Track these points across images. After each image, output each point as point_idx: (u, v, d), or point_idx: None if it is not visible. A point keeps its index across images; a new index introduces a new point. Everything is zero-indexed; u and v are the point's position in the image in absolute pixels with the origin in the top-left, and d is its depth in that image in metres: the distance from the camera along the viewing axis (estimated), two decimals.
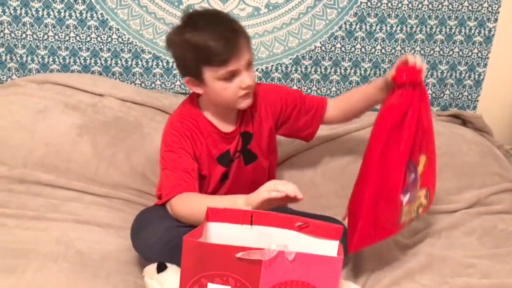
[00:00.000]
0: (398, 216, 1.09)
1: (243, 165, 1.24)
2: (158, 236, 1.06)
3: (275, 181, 0.99)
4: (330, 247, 0.90)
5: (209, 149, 1.19)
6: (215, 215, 0.91)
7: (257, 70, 1.68)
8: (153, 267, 1.01)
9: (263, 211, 0.93)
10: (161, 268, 0.99)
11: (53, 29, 1.61)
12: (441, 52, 1.73)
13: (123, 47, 1.64)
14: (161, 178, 1.15)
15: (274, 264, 0.78)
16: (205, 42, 1.06)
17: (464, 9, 1.67)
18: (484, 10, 1.67)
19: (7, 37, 1.60)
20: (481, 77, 1.77)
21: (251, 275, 0.78)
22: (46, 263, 1.07)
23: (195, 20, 1.11)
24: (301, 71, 1.71)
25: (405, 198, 1.08)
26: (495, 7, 1.67)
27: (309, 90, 1.73)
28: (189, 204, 1.07)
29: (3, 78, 1.65)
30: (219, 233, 0.91)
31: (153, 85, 1.69)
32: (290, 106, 1.27)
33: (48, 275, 1.03)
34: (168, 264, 1.00)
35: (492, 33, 1.71)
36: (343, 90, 1.74)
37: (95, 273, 1.06)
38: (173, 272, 0.98)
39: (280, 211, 0.95)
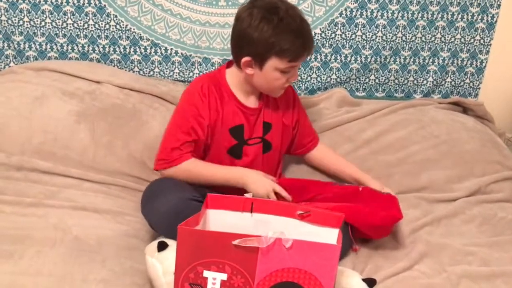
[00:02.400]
0: None
1: (261, 152, 1.29)
2: (169, 206, 1.07)
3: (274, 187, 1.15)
4: (330, 235, 0.90)
5: (224, 118, 1.24)
6: (214, 202, 0.90)
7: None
8: (153, 245, 1.01)
9: (265, 200, 0.93)
10: (161, 247, 0.99)
11: (50, 16, 1.60)
12: (443, 39, 1.71)
13: (121, 34, 1.63)
14: (163, 138, 1.24)
15: (271, 252, 0.77)
16: (286, 34, 1.14)
17: None
18: None
19: (4, 24, 1.59)
20: (483, 64, 1.75)
21: (247, 262, 0.78)
22: (43, 248, 1.07)
23: (279, 10, 1.16)
24: None
25: None
26: None
27: (309, 78, 1.72)
28: (192, 170, 1.20)
29: (0, 65, 1.64)
30: (218, 220, 0.91)
31: (151, 72, 1.68)
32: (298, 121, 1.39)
33: (45, 260, 1.03)
34: (168, 243, 1.00)
35: (495, 19, 1.69)
36: (343, 78, 1.72)
37: (91, 258, 1.06)
38: (173, 251, 0.96)
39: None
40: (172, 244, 0.99)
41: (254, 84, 1.24)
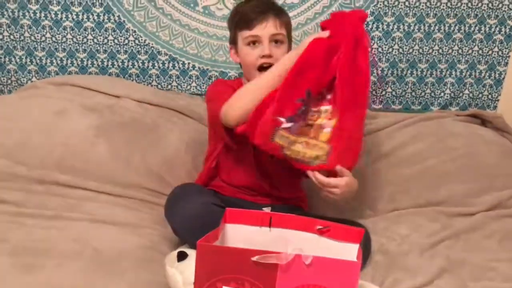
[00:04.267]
0: (266, 129, 1.07)
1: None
2: (192, 210, 1.08)
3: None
4: (349, 251, 0.89)
5: None
6: (233, 216, 0.90)
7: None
8: (173, 255, 1.01)
9: (284, 214, 0.92)
10: (181, 257, 0.99)
11: (71, 32, 1.63)
12: (460, 51, 1.70)
13: (139, 49, 1.66)
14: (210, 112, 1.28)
15: (290, 268, 0.76)
16: (243, 8, 1.26)
17: (484, 7, 1.64)
18: (505, 8, 1.64)
19: (27, 40, 1.63)
20: (502, 76, 1.73)
21: (267, 279, 0.77)
22: (63, 261, 1.08)
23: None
24: None
25: (284, 122, 1.07)
26: None
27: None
28: (238, 95, 1.15)
29: (23, 80, 1.68)
30: (237, 235, 0.91)
31: (169, 86, 1.70)
32: None
33: (65, 273, 1.05)
34: (188, 252, 0.99)
35: None
36: None
37: (111, 271, 1.07)
38: (193, 261, 0.95)
39: (298, 214, 0.94)
40: (191, 253, 0.98)
41: (245, 75, 1.30)
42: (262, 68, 1.22)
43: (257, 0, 1.28)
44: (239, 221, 0.91)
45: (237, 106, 1.13)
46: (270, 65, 1.19)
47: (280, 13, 1.27)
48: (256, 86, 1.14)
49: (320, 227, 0.90)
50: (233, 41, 1.30)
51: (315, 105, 1.09)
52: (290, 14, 1.61)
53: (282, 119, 1.06)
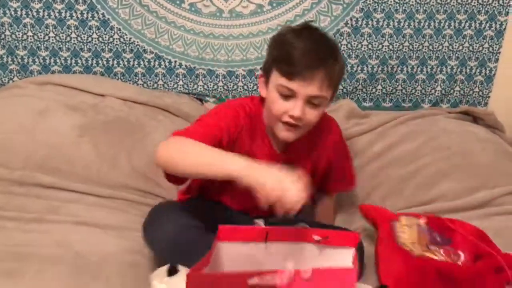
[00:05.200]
0: None
1: None
2: (169, 236, 0.99)
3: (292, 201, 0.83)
4: (346, 256, 0.85)
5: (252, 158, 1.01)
6: (226, 234, 0.84)
7: (261, 68, 1.63)
8: (163, 270, 0.94)
9: (279, 228, 0.87)
10: (172, 272, 0.92)
11: (54, 30, 1.59)
12: (450, 47, 1.68)
13: (124, 47, 1.62)
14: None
15: (291, 286, 0.71)
16: (292, 45, 1.01)
17: (474, 3, 1.62)
18: (495, 3, 1.63)
19: (8, 38, 1.59)
20: (492, 72, 1.72)
21: None
22: (45, 266, 1.03)
23: (305, 29, 1.06)
24: None
25: None
26: (506, 0, 1.62)
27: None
28: (183, 142, 0.95)
29: (4, 80, 1.64)
30: (232, 254, 0.84)
31: (155, 85, 1.66)
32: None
33: (47, 278, 1.00)
34: (180, 267, 0.93)
35: (503, 27, 1.66)
36: (349, 88, 1.70)
37: (94, 276, 1.03)
38: (184, 277, 0.92)
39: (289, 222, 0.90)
40: (182, 269, 0.92)
41: (266, 113, 1.08)
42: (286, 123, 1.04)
43: (312, 37, 1.03)
44: (233, 239, 0.84)
45: (173, 150, 0.96)
46: (296, 125, 1.03)
47: (334, 67, 1.02)
48: (202, 160, 0.93)
49: (318, 238, 0.86)
50: (266, 72, 1.07)
51: None
52: (279, 11, 1.61)
53: None
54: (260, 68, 1.11)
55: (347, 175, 1.33)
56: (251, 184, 0.83)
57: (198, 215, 1.04)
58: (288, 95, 1.01)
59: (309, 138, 1.13)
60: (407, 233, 1.11)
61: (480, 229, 1.17)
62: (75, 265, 1.05)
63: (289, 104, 1.01)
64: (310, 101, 1.01)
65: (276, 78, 1.02)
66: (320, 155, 1.19)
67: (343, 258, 0.84)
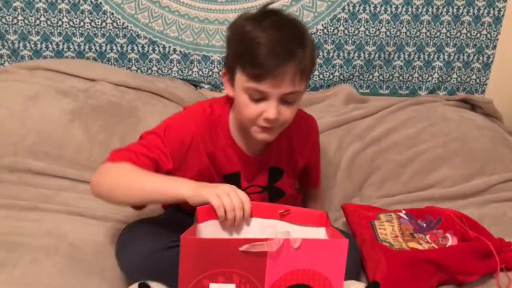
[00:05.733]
0: None
1: (267, 200, 1.09)
2: (142, 256, 0.93)
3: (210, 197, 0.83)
4: (317, 234, 0.85)
5: (218, 164, 1.03)
6: (204, 214, 0.83)
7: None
8: (134, 286, 0.92)
9: (253, 202, 0.86)
10: None
11: (45, 14, 1.56)
12: (448, 34, 1.66)
13: (118, 32, 1.59)
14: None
15: (280, 255, 0.72)
16: (255, 41, 0.88)
17: None
18: None
19: None
20: (490, 59, 1.71)
21: (256, 268, 0.72)
22: (38, 257, 1.01)
23: (266, 16, 0.92)
24: None
25: None
26: None
27: (311, 75, 1.67)
28: (127, 173, 0.90)
29: None
30: (211, 232, 0.84)
31: (149, 71, 1.64)
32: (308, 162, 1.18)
33: (40, 270, 0.98)
34: (150, 283, 0.91)
35: (501, 13, 1.64)
36: (346, 75, 1.68)
37: (90, 269, 1.01)
38: None
39: None
40: (154, 286, 0.91)
41: (237, 114, 0.98)
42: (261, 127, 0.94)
43: (275, 26, 0.89)
44: (210, 218, 0.83)
45: (106, 182, 0.91)
46: (271, 128, 0.94)
47: (304, 57, 0.90)
48: (141, 186, 0.89)
49: (281, 211, 0.85)
50: (229, 70, 0.95)
51: None
52: None
53: None
54: (224, 66, 0.99)
55: (319, 176, 1.29)
56: (200, 203, 0.83)
57: (173, 226, 0.91)
58: (259, 98, 0.91)
59: (288, 137, 1.07)
60: (388, 228, 1.11)
61: (466, 215, 1.17)
62: (69, 257, 1.02)
63: (261, 106, 0.91)
64: (284, 100, 0.92)
65: (243, 81, 0.91)
66: (300, 155, 1.13)
67: (315, 235, 0.84)
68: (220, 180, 1.05)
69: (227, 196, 0.82)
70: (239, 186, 0.95)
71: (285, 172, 1.09)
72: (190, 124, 1.00)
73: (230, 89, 0.97)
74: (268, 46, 0.87)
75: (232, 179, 1.05)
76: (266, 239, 0.72)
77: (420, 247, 1.05)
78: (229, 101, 1.02)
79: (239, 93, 0.93)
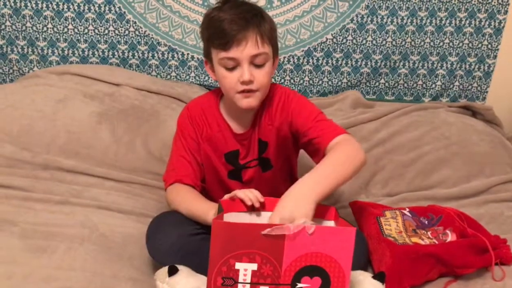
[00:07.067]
0: None
1: (261, 172, 1.22)
2: (170, 243, 1.04)
3: (236, 192, 0.99)
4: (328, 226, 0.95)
5: (217, 145, 1.18)
6: (229, 206, 0.95)
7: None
8: (164, 270, 1.01)
9: (268, 198, 0.97)
10: (172, 272, 0.99)
11: (72, 23, 1.66)
12: (451, 44, 1.75)
13: (139, 40, 1.69)
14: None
15: (296, 238, 0.81)
16: (218, 20, 1.04)
17: (474, 1, 1.70)
18: (494, 2, 1.70)
19: (29, 30, 1.66)
20: (491, 68, 1.79)
21: (275, 250, 0.82)
22: (73, 244, 1.11)
23: (226, 2, 1.09)
24: (312, 62, 1.74)
25: None
26: None
27: (320, 82, 1.77)
28: (175, 198, 1.12)
29: (25, 70, 1.71)
30: (233, 221, 0.94)
31: (168, 76, 1.74)
32: (299, 133, 1.15)
33: (76, 256, 1.08)
34: (179, 267, 1.00)
35: (502, 25, 1.73)
36: (353, 81, 1.77)
37: (119, 256, 1.10)
38: (185, 275, 0.98)
39: None
40: (182, 268, 1.00)
41: (224, 95, 1.15)
42: (243, 92, 1.08)
43: (233, 7, 1.07)
44: (231, 210, 0.95)
45: (169, 201, 1.14)
46: (251, 90, 1.07)
47: (262, 23, 1.06)
48: (188, 212, 1.08)
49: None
50: (207, 55, 1.11)
51: None
52: (287, 7, 1.68)
53: None
54: (204, 56, 1.15)
55: (323, 126, 1.12)
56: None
57: (194, 222, 1.07)
58: (233, 66, 1.06)
59: (267, 110, 1.17)
60: (393, 224, 1.20)
61: (465, 213, 1.24)
62: (100, 245, 1.13)
63: (236, 73, 1.06)
64: (254, 63, 1.06)
65: (216, 55, 1.06)
66: (280, 122, 1.17)
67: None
68: (222, 159, 1.19)
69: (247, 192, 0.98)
70: (237, 162, 1.19)
71: (269, 143, 1.19)
72: (184, 111, 1.21)
73: (212, 74, 1.13)
74: (229, 19, 1.04)
75: (232, 156, 1.19)
76: (282, 225, 0.82)
77: (422, 242, 1.14)
78: (218, 91, 1.19)
79: (217, 68, 1.08)
